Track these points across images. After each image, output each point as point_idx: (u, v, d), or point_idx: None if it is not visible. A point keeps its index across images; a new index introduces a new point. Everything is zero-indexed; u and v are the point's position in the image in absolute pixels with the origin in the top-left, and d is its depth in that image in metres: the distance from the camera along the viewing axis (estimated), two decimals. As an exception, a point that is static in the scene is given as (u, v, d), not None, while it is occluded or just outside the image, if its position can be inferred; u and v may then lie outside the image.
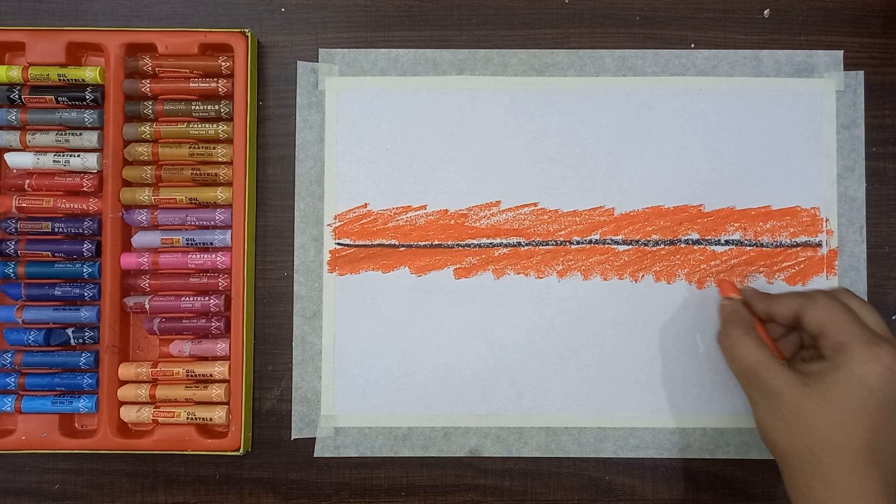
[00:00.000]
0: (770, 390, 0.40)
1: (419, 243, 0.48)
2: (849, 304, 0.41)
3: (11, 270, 0.46)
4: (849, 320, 0.40)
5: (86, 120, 0.46)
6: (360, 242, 0.48)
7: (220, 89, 0.46)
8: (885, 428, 0.39)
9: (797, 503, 0.40)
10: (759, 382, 0.40)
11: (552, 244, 0.48)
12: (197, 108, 0.46)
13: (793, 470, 0.40)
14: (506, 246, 0.48)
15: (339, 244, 0.48)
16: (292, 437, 0.47)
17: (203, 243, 0.46)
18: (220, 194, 0.46)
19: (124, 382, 0.46)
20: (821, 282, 0.47)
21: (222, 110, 0.46)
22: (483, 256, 0.47)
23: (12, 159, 0.46)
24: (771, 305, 0.43)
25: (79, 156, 0.46)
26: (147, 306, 0.46)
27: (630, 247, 0.48)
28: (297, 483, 0.47)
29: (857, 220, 0.47)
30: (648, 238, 0.47)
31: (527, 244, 0.48)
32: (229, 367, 0.46)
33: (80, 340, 0.46)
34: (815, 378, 0.39)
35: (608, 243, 0.48)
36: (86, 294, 0.46)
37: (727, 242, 0.47)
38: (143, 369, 0.46)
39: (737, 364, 0.41)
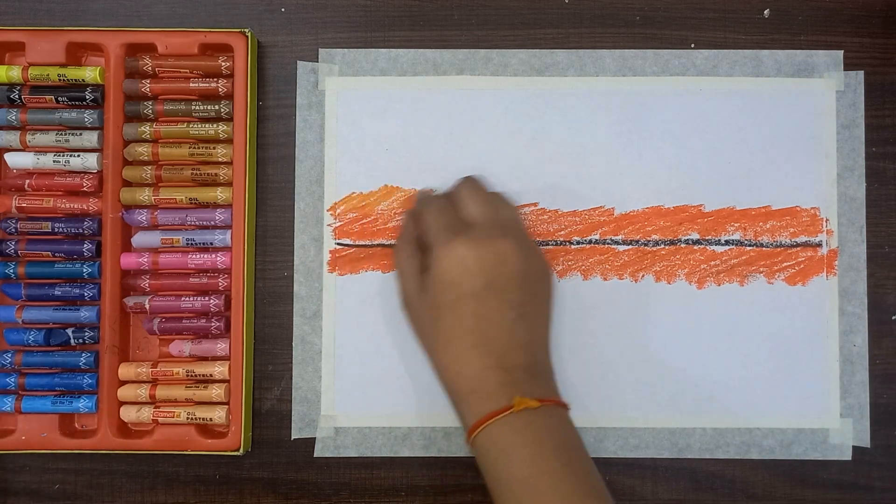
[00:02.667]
0: (405, 299, 0.43)
1: (419, 243, 0.48)
2: (457, 193, 0.43)
3: (11, 270, 0.46)
4: (434, 217, 0.42)
5: (86, 120, 0.46)
6: (360, 242, 0.48)
7: (220, 89, 0.46)
8: (482, 314, 0.40)
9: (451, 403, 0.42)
10: (401, 291, 0.43)
11: (552, 244, 0.48)
12: (197, 108, 0.46)
13: (428, 361, 0.42)
14: (506, 246, 0.47)
15: (339, 244, 0.48)
16: (292, 437, 0.47)
17: (203, 243, 0.46)
18: (220, 194, 0.46)
19: (124, 382, 0.46)
20: (821, 282, 0.47)
21: (222, 110, 0.46)
22: (483, 256, 0.47)
23: (12, 159, 0.46)
24: (418, 212, 0.44)
25: (79, 156, 0.46)
26: (147, 306, 0.46)
27: (630, 247, 0.48)
28: (297, 483, 0.47)
29: (857, 220, 0.47)
30: (648, 238, 0.47)
31: (527, 244, 0.47)
32: (229, 367, 0.46)
33: (80, 340, 0.46)
34: (425, 282, 0.41)
35: (608, 243, 0.48)
36: (86, 294, 0.46)
37: (727, 242, 0.47)
38: (143, 369, 0.46)
39: (395, 273, 0.44)
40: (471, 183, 0.43)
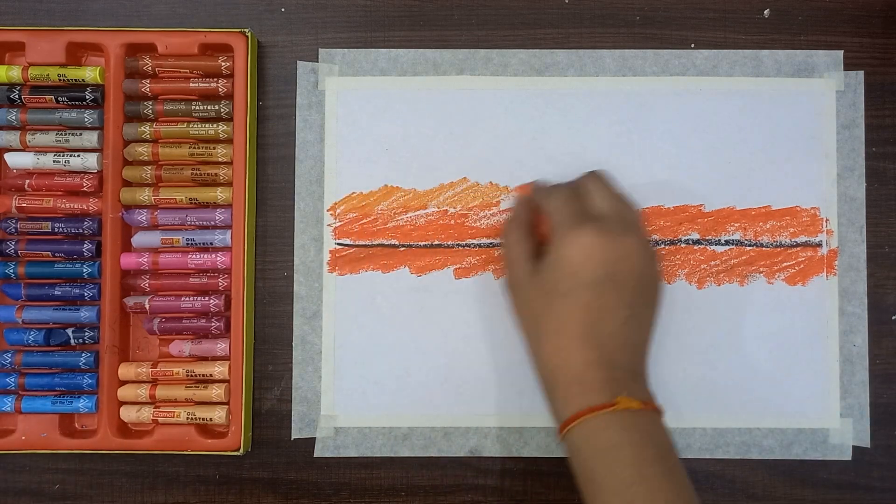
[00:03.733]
0: (509, 279, 0.43)
1: (419, 243, 0.48)
2: (584, 185, 0.42)
3: (11, 270, 0.46)
4: (561, 204, 0.41)
5: (86, 120, 0.46)
6: (360, 242, 0.48)
7: (220, 89, 0.46)
8: (597, 307, 0.39)
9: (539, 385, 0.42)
10: (508, 274, 0.43)
11: (552, 244, 0.47)
12: (197, 108, 0.46)
13: (527, 350, 0.42)
14: (506, 246, 0.48)
15: (339, 244, 0.48)
16: (292, 437, 0.47)
17: (203, 243, 0.46)
18: (220, 194, 0.46)
19: (124, 382, 0.46)
20: (821, 282, 0.47)
21: (222, 110, 0.46)
22: (483, 256, 0.47)
23: (12, 159, 0.46)
24: (538, 200, 0.44)
25: (79, 156, 0.46)
26: (147, 306, 0.46)
27: (630, 247, 0.47)
28: (297, 483, 0.47)
29: (857, 220, 0.47)
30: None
31: (527, 244, 0.47)
32: (229, 367, 0.46)
33: (80, 340, 0.46)
34: (539, 267, 0.41)
35: (608, 243, 0.47)
36: (86, 294, 0.46)
37: (727, 242, 0.47)
38: (143, 369, 0.46)
39: (502, 256, 0.44)
40: (598, 177, 0.43)
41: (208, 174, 0.46)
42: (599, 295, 0.39)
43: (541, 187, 0.45)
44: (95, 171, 0.46)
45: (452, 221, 0.48)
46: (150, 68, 0.46)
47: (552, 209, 0.41)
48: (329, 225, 0.48)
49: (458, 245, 0.48)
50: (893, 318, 0.48)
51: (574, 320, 0.39)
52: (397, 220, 0.48)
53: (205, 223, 0.46)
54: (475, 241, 0.48)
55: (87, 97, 0.46)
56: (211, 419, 0.45)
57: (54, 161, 0.46)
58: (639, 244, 0.40)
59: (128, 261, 0.46)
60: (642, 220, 0.43)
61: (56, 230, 0.46)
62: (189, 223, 0.46)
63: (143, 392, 0.45)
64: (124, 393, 0.46)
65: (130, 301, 0.46)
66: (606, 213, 0.41)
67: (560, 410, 0.39)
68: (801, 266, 0.47)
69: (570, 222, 0.40)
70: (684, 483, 0.38)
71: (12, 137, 0.46)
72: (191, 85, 0.46)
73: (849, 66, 0.48)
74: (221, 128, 0.46)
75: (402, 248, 0.48)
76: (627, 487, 0.36)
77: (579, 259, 0.39)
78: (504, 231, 0.44)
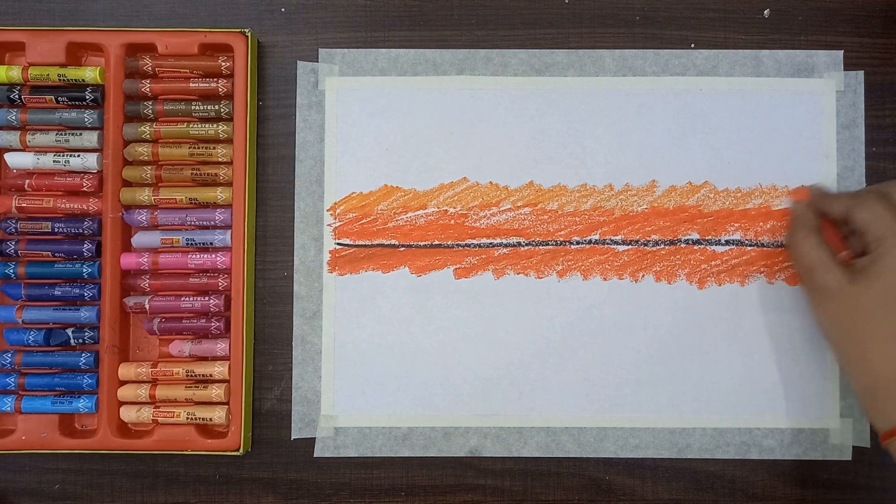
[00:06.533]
0: (820, 286, 0.42)
1: (419, 243, 0.48)
2: (884, 200, 0.42)
3: (11, 270, 0.46)
4: (887, 214, 0.41)
5: (86, 120, 0.46)
6: (360, 242, 0.48)
7: (220, 89, 0.46)
8: None
9: (856, 394, 0.43)
10: (813, 280, 0.43)
11: (552, 244, 0.48)
12: (197, 108, 0.46)
13: (843, 359, 0.43)
14: (506, 246, 0.48)
15: (339, 244, 0.48)
16: (292, 437, 0.47)
17: (203, 243, 0.46)
18: (220, 194, 0.46)
19: (124, 382, 0.46)
20: (821, 282, 0.47)
21: (222, 110, 0.46)
22: (483, 256, 0.47)
23: (12, 159, 0.46)
24: (827, 206, 0.44)
25: (79, 156, 0.46)
26: (147, 306, 0.46)
27: (630, 247, 0.48)
28: (297, 483, 0.47)
29: (857, 220, 0.47)
30: (648, 238, 0.47)
31: (527, 244, 0.48)
32: (229, 367, 0.46)
33: (80, 340, 0.46)
34: (859, 273, 0.41)
35: (608, 243, 0.48)
36: (86, 294, 0.46)
37: (727, 242, 0.47)
38: (143, 369, 0.46)
39: (797, 262, 0.44)
40: None
41: (208, 174, 0.46)
42: None
43: (825, 193, 0.46)
44: (95, 171, 0.46)
45: (452, 221, 0.48)
46: (150, 68, 0.46)
47: (869, 218, 0.41)
48: (329, 225, 0.48)
49: (458, 245, 0.48)
50: (893, 318, 0.48)
51: None
52: (397, 220, 0.48)
53: (205, 223, 0.46)
54: (475, 241, 0.48)
55: (87, 97, 0.46)
56: (211, 419, 0.45)
57: (54, 161, 0.46)
58: None
59: (128, 261, 0.46)
60: None
61: (56, 230, 0.46)
62: (189, 223, 0.46)
63: (143, 392, 0.45)
64: (124, 393, 0.46)
65: (130, 301, 0.46)
66: None
67: (884, 418, 0.41)
68: (801, 266, 0.47)
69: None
70: None
71: (12, 137, 0.46)
72: (191, 85, 0.46)
73: (849, 66, 0.48)
74: (221, 128, 0.46)
75: (402, 248, 0.48)
76: None
77: None
78: (794, 237, 0.44)
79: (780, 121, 0.48)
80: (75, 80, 0.46)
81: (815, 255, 0.43)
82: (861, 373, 0.42)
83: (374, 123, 0.48)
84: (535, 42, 0.48)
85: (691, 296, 0.47)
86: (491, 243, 0.48)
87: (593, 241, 0.48)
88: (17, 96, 0.46)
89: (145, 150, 0.46)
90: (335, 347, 0.47)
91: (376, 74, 0.48)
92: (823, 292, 0.42)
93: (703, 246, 0.48)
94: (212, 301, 0.46)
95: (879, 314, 0.40)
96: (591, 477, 0.47)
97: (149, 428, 0.46)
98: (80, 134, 0.46)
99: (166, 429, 0.45)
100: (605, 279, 0.47)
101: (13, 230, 0.46)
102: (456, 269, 0.47)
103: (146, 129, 0.46)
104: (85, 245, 0.46)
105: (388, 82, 0.48)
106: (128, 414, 0.45)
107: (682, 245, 0.48)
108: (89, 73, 0.46)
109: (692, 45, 0.48)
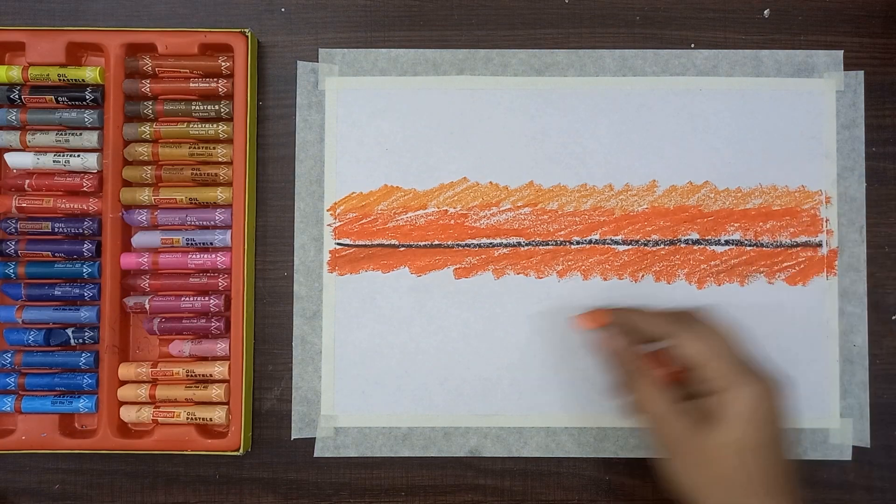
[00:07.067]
0: (670, 441, 0.40)
1: (419, 243, 0.48)
2: (715, 332, 0.41)
3: (11, 270, 0.46)
4: (717, 356, 0.40)
5: (86, 120, 0.46)
6: (360, 242, 0.48)
7: (220, 89, 0.46)
8: (781, 458, 0.39)
9: None
10: (661, 434, 0.40)
11: (552, 244, 0.48)
12: (197, 108, 0.46)
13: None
14: (506, 246, 0.48)
15: (339, 244, 0.48)
16: (292, 437, 0.47)
17: (203, 243, 0.46)
18: (220, 194, 0.46)
19: (124, 382, 0.46)
20: (821, 282, 0.47)
21: (222, 110, 0.46)
22: (483, 256, 0.47)
23: (12, 159, 0.46)
24: (642, 329, 0.42)
25: (79, 156, 0.46)
26: (147, 306, 0.46)
27: (630, 247, 0.48)
28: (297, 483, 0.47)
29: (857, 220, 0.47)
30: (648, 238, 0.47)
31: (527, 244, 0.48)
32: (229, 367, 0.46)
33: (80, 340, 0.46)
34: (706, 424, 0.39)
35: (608, 243, 0.48)
36: (86, 294, 0.46)
37: (727, 242, 0.47)
38: (143, 369, 0.46)
39: (645, 417, 0.41)
40: (724, 329, 0.41)
41: (208, 174, 0.46)
42: (781, 443, 0.39)
43: (632, 321, 0.43)
44: (95, 171, 0.46)
45: (452, 221, 0.48)
46: (150, 68, 0.46)
47: (699, 358, 0.40)
48: (329, 225, 0.48)
49: (457, 245, 0.48)
50: (893, 318, 0.48)
51: (763, 471, 0.39)
52: (397, 220, 0.48)
53: (205, 223, 0.46)
54: (475, 241, 0.48)
55: (87, 97, 0.46)
56: (211, 419, 0.45)
57: (54, 161, 0.46)
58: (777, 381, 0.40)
59: (128, 261, 0.46)
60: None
61: (56, 230, 0.46)
62: (189, 223, 0.46)
63: (143, 392, 0.45)
64: (124, 393, 0.46)
65: (130, 301, 0.46)
66: (743, 357, 0.40)
67: None
68: (802, 266, 0.47)
69: (735, 377, 0.39)
70: None
71: (12, 137, 0.46)
72: (191, 85, 0.46)
73: (849, 66, 0.48)
74: (221, 128, 0.46)
75: (402, 248, 0.48)
76: None
77: (759, 413, 0.38)
78: (633, 384, 0.41)
79: (780, 121, 0.48)
80: (75, 80, 0.46)
81: (660, 407, 0.40)
82: None
83: (374, 123, 0.48)
84: (535, 42, 0.48)
85: (691, 296, 0.47)
86: (491, 243, 0.48)
87: (593, 241, 0.48)
88: (17, 96, 0.46)
89: (145, 150, 0.46)
90: (335, 347, 0.47)
91: (376, 74, 0.48)
92: (669, 445, 0.40)
93: (702, 246, 0.48)
94: (212, 301, 0.46)
95: (733, 463, 0.39)
96: (591, 477, 0.47)
97: (149, 428, 0.46)
98: (80, 134, 0.46)
99: (166, 429, 0.45)
100: (605, 279, 0.47)
101: (13, 230, 0.46)
102: (456, 269, 0.47)
103: (146, 129, 0.46)
104: (85, 245, 0.46)
105: (388, 82, 0.48)
106: (128, 414, 0.45)
107: (682, 245, 0.48)
108: (89, 73, 0.46)
109: (692, 45, 0.48)
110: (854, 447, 0.47)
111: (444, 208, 0.48)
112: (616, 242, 0.48)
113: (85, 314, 0.46)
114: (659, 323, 0.41)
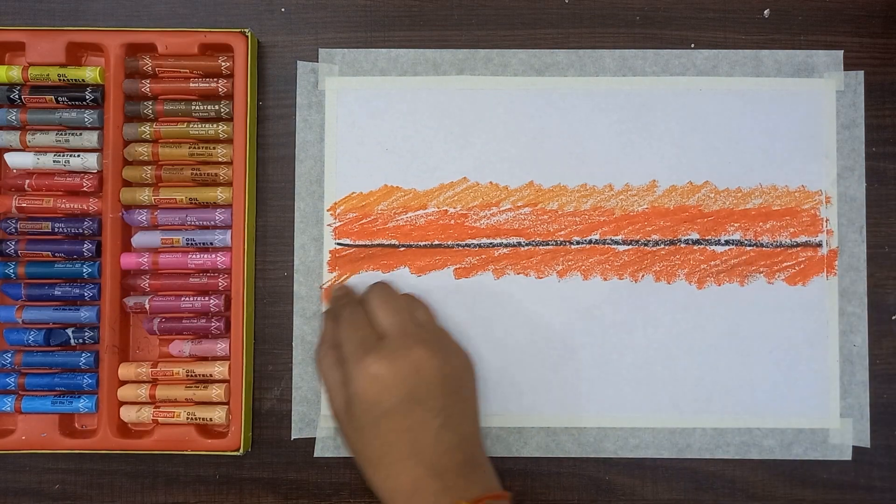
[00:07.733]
0: (334, 413, 0.42)
1: (419, 243, 0.48)
2: (368, 303, 0.42)
3: (11, 270, 0.46)
4: (349, 332, 0.41)
5: (86, 120, 0.46)
6: (360, 242, 0.48)
7: (220, 89, 0.46)
8: (407, 427, 0.39)
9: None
10: (330, 404, 0.42)
11: (552, 244, 0.48)
12: (197, 108, 0.46)
13: (368, 482, 0.41)
14: (506, 246, 0.48)
15: (339, 244, 0.48)
16: (292, 437, 0.47)
17: (203, 243, 0.46)
18: (220, 194, 0.46)
19: (124, 382, 0.46)
20: (821, 282, 0.47)
21: (222, 110, 0.46)
22: (483, 256, 0.47)
23: (12, 159, 0.46)
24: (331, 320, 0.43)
25: (79, 156, 0.46)
26: (147, 306, 0.46)
27: (630, 247, 0.48)
28: (297, 483, 0.47)
29: (857, 220, 0.47)
30: (648, 238, 0.47)
31: (527, 244, 0.48)
32: (229, 367, 0.46)
33: (80, 340, 0.46)
34: (348, 400, 0.40)
35: (608, 243, 0.48)
36: (86, 294, 0.46)
37: (727, 242, 0.47)
38: (143, 369, 0.46)
39: (322, 382, 0.42)
40: (380, 290, 0.43)
41: (208, 174, 0.46)
42: (406, 416, 0.39)
43: (338, 303, 0.44)
44: (95, 171, 0.46)
45: (452, 221, 0.48)
46: (150, 68, 0.46)
47: (343, 339, 0.41)
48: (329, 225, 0.48)
49: (457, 245, 0.48)
50: (893, 318, 0.48)
51: (390, 446, 0.39)
52: (397, 220, 0.48)
53: (205, 223, 0.46)
54: (475, 241, 0.48)
55: (87, 97, 0.46)
56: (211, 419, 0.45)
57: (54, 161, 0.46)
58: (428, 351, 0.40)
59: (128, 261, 0.46)
60: (433, 318, 0.44)
61: (56, 230, 0.46)
62: (189, 223, 0.46)
63: (143, 392, 0.45)
64: (124, 393, 0.46)
65: (130, 301, 0.46)
66: (388, 330, 0.41)
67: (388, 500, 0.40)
68: (802, 266, 0.47)
69: (356, 354, 0.40)
70: None
71: (12, 137, 0.46)
72: (191, 85, 0.46)
73: (849, 66, 0.48)
74: (221, 128, 0.46)
75: (402, 248, 0.48)
76: None
77: (374, 391, 0.39)
78: (317, 353, 0.43)
79: (780, 121, 0.48)
80: (75, 80, 0.46)
81: (330, 375, 0.41)
82: (376, 492, 0.40)
83: (374, 123, 0.48)
84: (535, 42, 0.48)
85: (691, 296, 0.47)
86: (491, 243, 0.48)
87: (593, 241, 0.48)
88: (17, 96, 0.46)
89: (145, 150, 0.46)
90: (335, 347, 0.47)
91: (376, 74, 0.48)
92: (333, 413, 0.42)
93: (702, 246, 0.48)
94: (212, 301, 0.46)
95: (364, 437, 0.39)
96: (591, 477, 0.47)
97: (149, 428, 0.46)
98: (80, 134, 0.46)
99: (166, 429, 0.45)
100: (605, 279, 0.47)
101: (13, 230, 0.46)
102: (456, 269, 0.47)
103: (146, 129, 0.46)
104: (85, 245, 0.46)
105: (388, 82, 0.48)
106: (128, 414, 0.45)
107: (682, 245, 0.48)
108: (89, 73, 0.46)
109: (692, 45, 0.48)
110: (854, 447, 0.47)
111: (444, 208, 0.48)
112: (616, 242, 0.48)
113: (85, 314, 0.46)
114: (334, 300, 0.44)
